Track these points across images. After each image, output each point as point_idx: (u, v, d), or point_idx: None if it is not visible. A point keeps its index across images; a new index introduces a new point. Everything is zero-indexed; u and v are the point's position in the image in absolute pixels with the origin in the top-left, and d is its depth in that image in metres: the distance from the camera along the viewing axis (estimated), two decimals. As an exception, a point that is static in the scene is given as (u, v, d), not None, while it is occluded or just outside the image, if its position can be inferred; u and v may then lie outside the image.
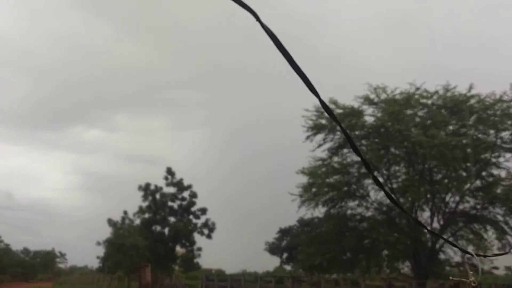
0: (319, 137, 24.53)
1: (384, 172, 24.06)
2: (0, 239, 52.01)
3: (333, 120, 1.29)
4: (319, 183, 23.84)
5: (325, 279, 22.51)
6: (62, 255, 72.45)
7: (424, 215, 24.77)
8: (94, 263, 45.04)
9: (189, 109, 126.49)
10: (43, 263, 63.92)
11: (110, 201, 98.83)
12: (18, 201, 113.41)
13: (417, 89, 22.59)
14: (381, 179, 24.59)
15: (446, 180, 22.91)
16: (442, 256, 24.46)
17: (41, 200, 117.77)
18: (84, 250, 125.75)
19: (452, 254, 24.32)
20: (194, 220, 34.79)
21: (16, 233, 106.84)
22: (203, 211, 34.83)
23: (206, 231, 34.45)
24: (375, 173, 23.76)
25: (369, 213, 25.40)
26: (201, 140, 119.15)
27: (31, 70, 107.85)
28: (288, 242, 44.38)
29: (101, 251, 35.94)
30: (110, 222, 35.01)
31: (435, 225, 23.77)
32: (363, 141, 23.74)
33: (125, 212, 35.53)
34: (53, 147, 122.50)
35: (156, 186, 34.80)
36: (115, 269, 33.57)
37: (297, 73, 1.09)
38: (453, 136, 21.51)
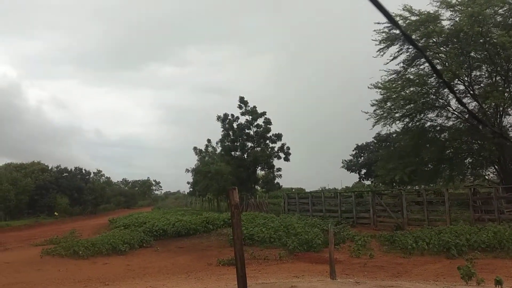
0: (393, 49, 23.61)
1: (466, 78, 22.82)
2: (101, 173, 58.45)
3: (399, 30, 1.63)
4: (394, 97, 23.30)
5: (406, 191, 22.82)
6: (157, 183, 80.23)
7: (510, 119, 23.60)
8: (186, 188, 49.34)
9: (256, 35, 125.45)
10: (141, 191, 71.24)
11: (192, 132, 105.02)
12: (109, 138, 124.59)
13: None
14: (462, 86, 23.49)
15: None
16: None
17: (131, 135, 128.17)
18: (175, 178, 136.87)
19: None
20: (271, 145, 36.30)
21: (114, 167, 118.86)
22: (279, 136, 36.08)
23: (282, 155, 35.96)
24: (455, 81, 22.73)
25: (450, 123, 24.64)
26: (272, 66, 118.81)
27: (105, 11, 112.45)
28: (365, 158, 44.64)
29: (190, 177, 39.36)
30: (196, 150, 37.82)
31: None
32: (442, 48, 22.43)
33: (209, 141, 38.05)
34: (134, 85, 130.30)
35: (232, 115, 36.36)
36: (204, 192, 36.74)
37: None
38: None
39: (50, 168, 45.73)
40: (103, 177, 58.08)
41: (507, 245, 13.35)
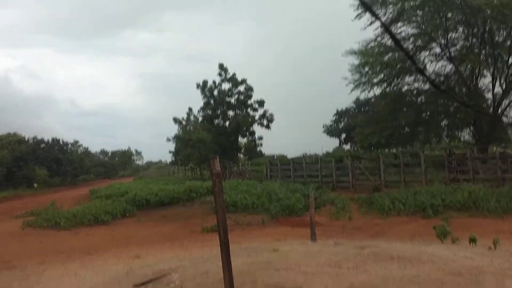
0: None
1: (442, 41, 22.99)
2: (78, 144, 57.63)
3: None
4: (372, 62, 23.40)
5: (384, 155, 23.36)
6: (138, 153, 79.64)
7: (486, 81, 24.07)
8: (167, 157, 49.21)
9: (237, 0, 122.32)
10: (121, 162, 70.66)
11: (172, 101, 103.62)
12: (85, 108, 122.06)
13: None
14: (438, 49, 23.68)
15: (508, 42, 21.56)
16: (504, 120, 24.11)
17: (108, 105, 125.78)
18: (157, 147, 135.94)
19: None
20: (252, 113, 36.15)
21: (91, 137, 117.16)
22: (261, 103, 35.81)
23: (265, 122, 35.88)
24: (432, 44, 22.87)
25: (426, 87, 25.00)
26: (252, 33, 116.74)
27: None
28: (345, 123, 45.18)
29: (172, 146, 39.19)
30: (176, 120, 37.47)
31: (497, 89, 23.15)
32: (418, 11, 22.40)
33: (190, 109, 37.64)
34: (111, 53, 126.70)
35: (214, 82, 35.84)
36: (187, 161, 36.71)
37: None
38: None
39: (26, 139, 44.76)
40: (81, 148, 57.32)
41: (482, 204, 13.84)
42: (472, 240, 7.66)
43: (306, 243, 9.03)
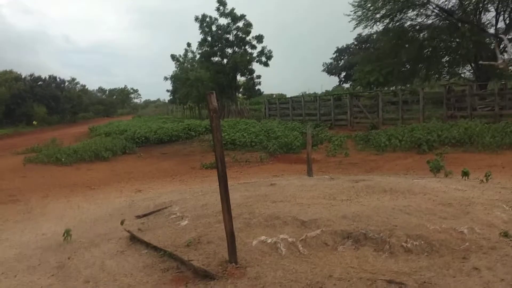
0: None
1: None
2: (75, 81, 56.87)
3: None
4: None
5: (383, 92, 23.19)
6: (135, 91, 79.00)
7: (489, 16, 23.36)
8: (166, 96, 48.87)
9: None
10: (120, 100, 70.18)
11: (170, 38, 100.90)
12: (81, 45, 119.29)
13: None
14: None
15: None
16: (505, 57, 23.69)
17: (105, 41, 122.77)
18: (154, 86, 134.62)
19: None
20: (251, 50, 35.28)
21: (88, 74, 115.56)
22: (259, 39, 34.72)
23: (264, 59, 35.10)
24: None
25: (429, 21, 24.26)
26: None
27: None
28: (345, 61, 44.35)
29: (169, 85, 38.81)
30: (173, 57, 36.74)
31: (501, 24, 22.55)
32: None
33: (188, 45, 36.73)
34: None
35: (211, 17, 34.64)
36: (185, 100, 36.53)
37: None
38: None
39: (23, 77, 44.13)
40: (78, 85, 56.67)
41: (477, 140, 13.94)
42: (465, 174, 7.84)
43: (302, 178, 9.27)
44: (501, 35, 20.79)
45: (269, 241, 4.47)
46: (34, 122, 38.40)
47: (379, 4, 22.75)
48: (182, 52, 37.11)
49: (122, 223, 5.80)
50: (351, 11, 24.17)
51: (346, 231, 4.48)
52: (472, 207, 5.16)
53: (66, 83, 50.25)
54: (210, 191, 7.82)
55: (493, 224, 4.53)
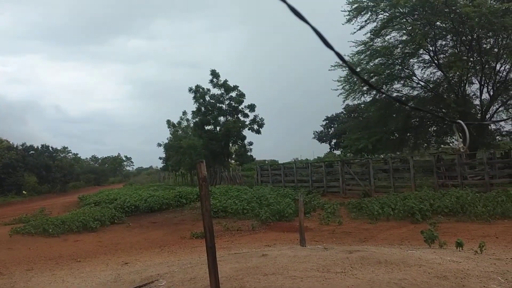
0: (361, 19, 23.77)
1: (431, 48, 23.29)
2: (67, 150, 57.09)
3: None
4: (359, 71, 23.66)
5: (374, 160, 23.48)
6: (128, 159, 79.25)
7: (473, 88, 24.41)
8: (158, 163, 48.95)
9: (226, 7, 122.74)
10: (112, 168, 70.10)
11: (163, 107, 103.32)
12: (76, 115, 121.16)
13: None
14: (427, 56, 23.99)
15: (495, 49, 21.92)
16: (492, 127, 24.46)
17: (99, 111, 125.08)
18: (147, 153, 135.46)
19: (503, 124, 24.30)
20: (243, 118, 36.18)
21: (81, 144, 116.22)
22: (252, 108, 35.78)
23: (256, 127, 35.86)
24: (420, 51, 23.15)
25: (415, 93, 25.29)
26: (242, 39, 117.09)
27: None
28: (335, 129, 45.42)
29: (162, 152, 39.13)
30: (169, 123, 37.47)
31: (485, 96, 23.48)
32: (408, 19, 22.71)
33: (184, 113, 37.69)
34: (102, 60, 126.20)
35: (203, 88, 35.88)
36: (177, 167, 36.64)
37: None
38: (502, 2, 20.07)
39: (15, 146, 44.23)
40: (70, 154, 56.84)
41: (469, 209, 13.94)
42: (459, 244, 7.74)
43: (295, 248, 9.04)
44: None
45: (259, 318, 4.26)
46: (24, 192, 37.87)
47: (365, 78, 23.82)
48: (176, 119, 38.04)
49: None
50: (338, 86, 25.28)
51: (340, 307, 4.30)
52: (467, 279, 5.02)
53: (59, 152, 50.38)
54: (199, 262, 7.57)
55: (491, 299, 4.38)
